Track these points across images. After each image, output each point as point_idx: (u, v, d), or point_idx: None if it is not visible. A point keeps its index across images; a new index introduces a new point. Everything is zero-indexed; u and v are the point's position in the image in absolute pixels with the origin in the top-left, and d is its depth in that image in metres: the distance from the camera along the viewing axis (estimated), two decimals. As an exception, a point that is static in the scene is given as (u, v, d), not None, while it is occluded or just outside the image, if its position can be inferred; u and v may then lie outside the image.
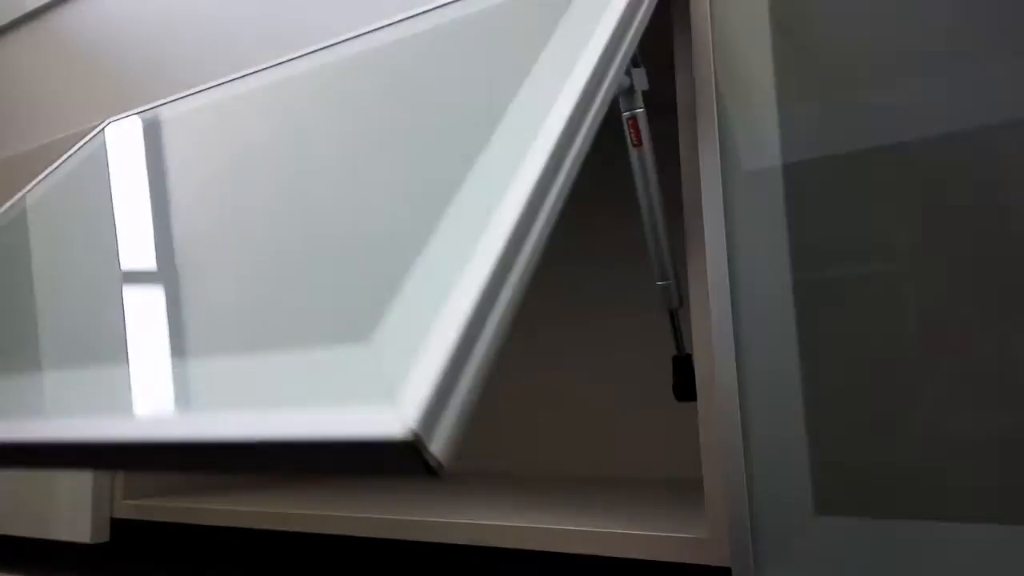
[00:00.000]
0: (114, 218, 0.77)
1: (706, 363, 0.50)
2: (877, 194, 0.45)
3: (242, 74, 0.77)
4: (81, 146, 0.88)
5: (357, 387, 0.35)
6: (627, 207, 0.92)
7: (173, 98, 0.82)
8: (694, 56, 0.52)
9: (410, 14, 0.66)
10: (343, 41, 0.70)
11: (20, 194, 0.86)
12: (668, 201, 0.59)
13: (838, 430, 0.44)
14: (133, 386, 0.48)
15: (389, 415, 0.30)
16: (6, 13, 1.17)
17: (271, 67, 0.75)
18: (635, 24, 0.50)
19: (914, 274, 0.43)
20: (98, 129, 0.88)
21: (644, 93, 0.57)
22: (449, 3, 0.65)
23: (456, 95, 0.55)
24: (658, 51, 0.61)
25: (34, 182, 0.87)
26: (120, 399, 0.47)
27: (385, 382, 0.34)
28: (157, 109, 0.83)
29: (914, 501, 0.41)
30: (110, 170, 0.85)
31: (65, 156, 0.88)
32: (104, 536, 0.82)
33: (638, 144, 0.57)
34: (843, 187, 0.46)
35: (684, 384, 0.61)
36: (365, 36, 0.69)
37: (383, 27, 0.68)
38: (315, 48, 0.72)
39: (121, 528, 0.83)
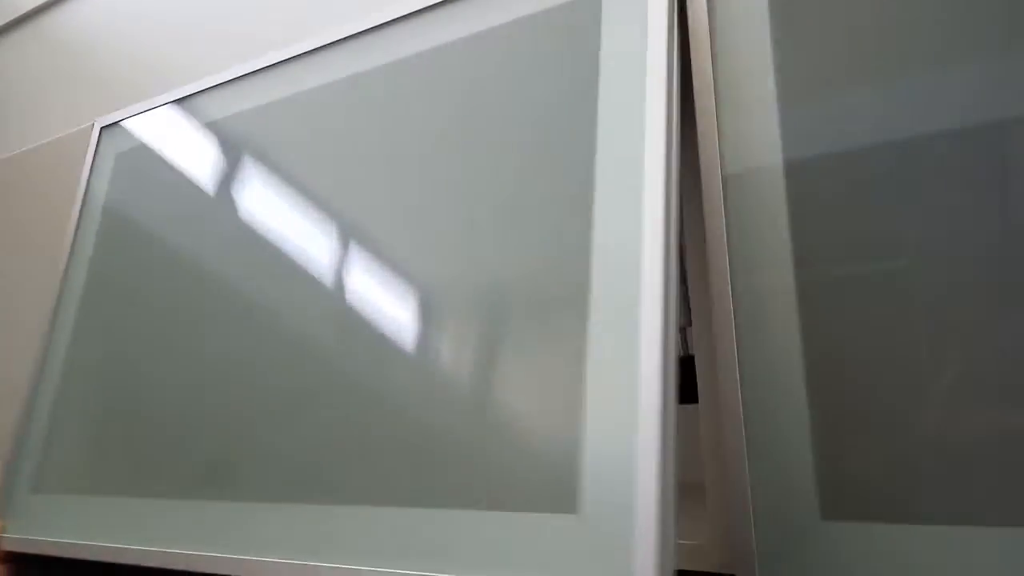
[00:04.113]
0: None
1: (708, 365, 0.49)
2: (878, 192, 0.44)
3: (244, 72, 0.76)
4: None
5: (576, 562, 0.41)
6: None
7: (168, 99, 0.81)
8: (693, 56, 0.52)
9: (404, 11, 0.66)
10: (345, 39, 0.69)
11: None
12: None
13: (843, 434, 0.43)
14: (345, 532, 0.51)
15: None
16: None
17: (271, 66, 0.74)
18: (675, 36, 0.50)
19: (918, 274, 0.43)
20: (94, 134, 0.87)
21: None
22: None
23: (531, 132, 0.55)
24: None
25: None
26: (333, 544, 0.51)
27: (605, 559, 0.40)
28: (145, 107, 0.82)
29: (920, 506, 0.40)
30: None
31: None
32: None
33: None
34: (844, 185, 0.45)
35: (685, 386, 0.60)
36: (376, 33, 0.68)
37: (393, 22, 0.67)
38: (308, 49, 0.71)
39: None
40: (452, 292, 0.53)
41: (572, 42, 0.54)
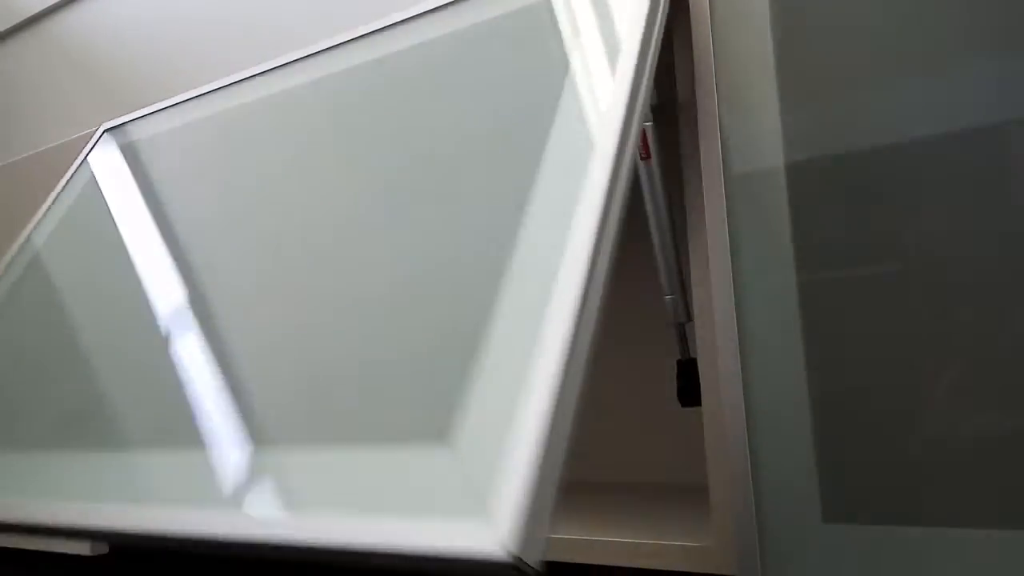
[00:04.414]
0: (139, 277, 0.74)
1: (710, 367, 0.49)
2: (879, 194, 0.44)
3: (243, 76, 0.77)
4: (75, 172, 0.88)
5: (442, 494, 0.35)
6: (632, 218, 0.91)
7: (171, 102, 0.81)
8: (695, 58, 0.52)
9: (405, 16, 0.66)
10: (345, 43, 0.70)
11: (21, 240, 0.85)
12: (669, 202, 0.58)
13: (845, 436, 0.43)
14: (208, 475, 0.46)
15: (486, 534, 0.30)
16: (5, 19, 1.17)
17: (274, 69, 0.74)
18: (654, 38, 0.48)
19: (920, 275, 0.42)
20: (95, 137, 0.88)
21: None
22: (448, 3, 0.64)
23: (485, 126, 0.53)
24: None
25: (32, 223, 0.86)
26: (195, 489, 0.45)
27: (473, 492, 0.33)
28: (154, 113, 0.83)
29: (922, 508, 0.40)
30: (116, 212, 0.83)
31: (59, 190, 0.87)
32: (103, 548, 0.80)
33: (646, 157, 0.56)
34: (845, 187, 0.45)
35: (688, 389, 0.60)
36: (372, 37, 0.68)
37: (388, 27, 0.67)
38: (309, 53, 0.71)
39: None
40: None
41: (537, 48, 0.53)
